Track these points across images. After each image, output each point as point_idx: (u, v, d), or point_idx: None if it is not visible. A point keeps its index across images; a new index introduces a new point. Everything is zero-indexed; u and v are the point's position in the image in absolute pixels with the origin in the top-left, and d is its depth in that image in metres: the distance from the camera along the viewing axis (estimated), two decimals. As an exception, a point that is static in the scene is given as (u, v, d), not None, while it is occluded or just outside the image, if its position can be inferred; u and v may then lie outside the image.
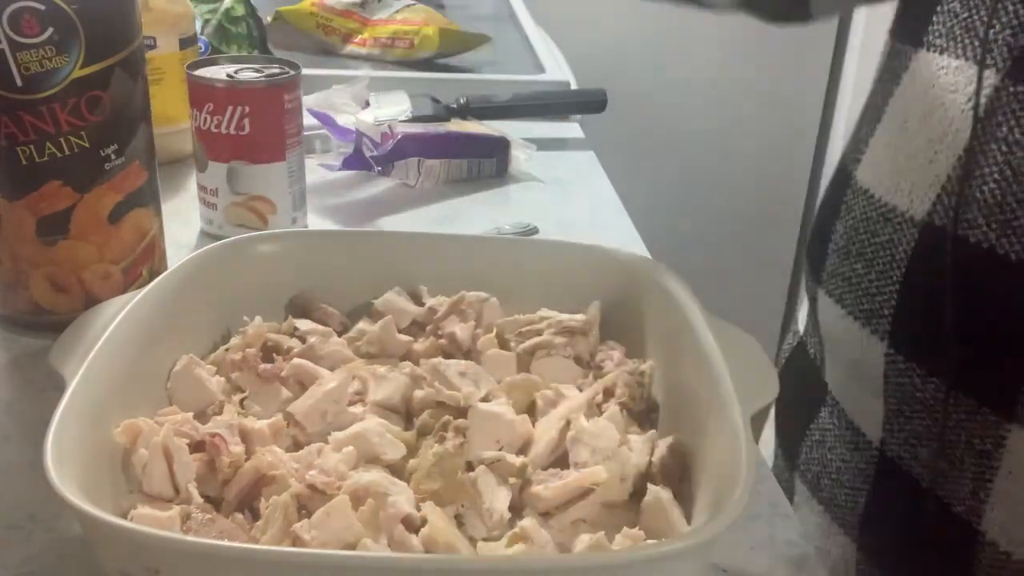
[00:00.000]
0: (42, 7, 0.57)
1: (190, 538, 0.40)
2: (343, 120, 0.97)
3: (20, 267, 0.64)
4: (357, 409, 0.50)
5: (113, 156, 0.63)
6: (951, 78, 0.54)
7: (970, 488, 0.55)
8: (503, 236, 0.77)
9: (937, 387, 0.55)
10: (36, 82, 0.58)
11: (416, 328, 0.58)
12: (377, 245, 0.61)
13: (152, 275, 0.67)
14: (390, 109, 0.99)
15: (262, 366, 0.52)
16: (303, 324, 0.57)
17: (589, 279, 0.58)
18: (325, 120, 0.96)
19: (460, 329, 0.55)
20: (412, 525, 0.43)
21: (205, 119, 0.77)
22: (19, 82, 0.58)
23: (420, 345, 0.56)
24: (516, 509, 0.45)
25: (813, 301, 0.66)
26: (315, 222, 0.86)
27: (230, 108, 0.76)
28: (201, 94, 0.77)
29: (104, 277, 0.65)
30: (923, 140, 0.56)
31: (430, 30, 1.22)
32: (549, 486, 0.44)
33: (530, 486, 0.45)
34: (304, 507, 0.43)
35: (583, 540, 0.42)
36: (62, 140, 0.60)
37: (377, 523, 0.41)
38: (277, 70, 0.79)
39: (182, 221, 0.84)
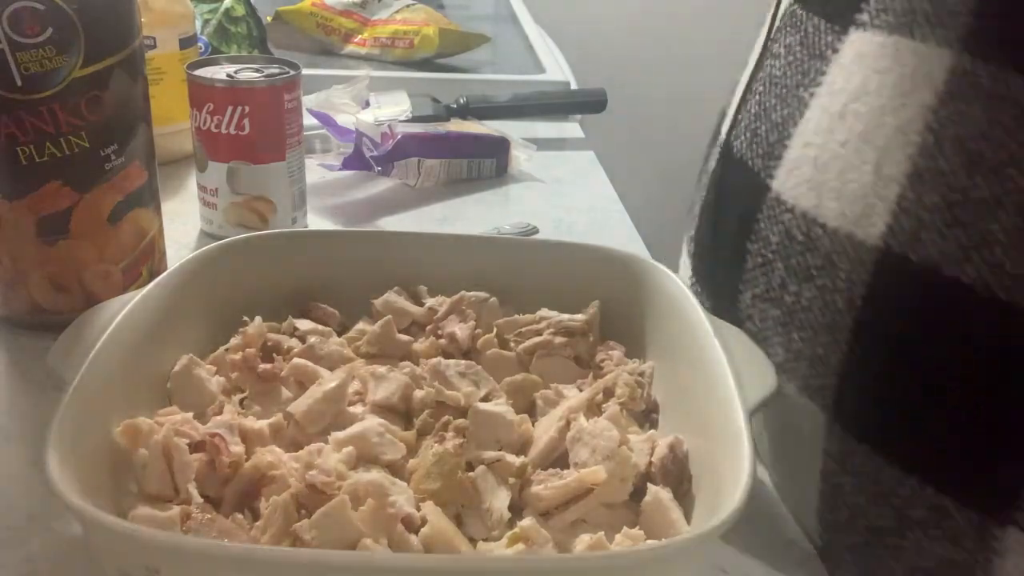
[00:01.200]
0: (42, 7, 0.57)
1: (190, 538, 0.40)
2: (343, 120, 0.97)
3: (20, 267, 0.64)
4: (357, 409, 0.50)
5: (113, 156, 0.63)
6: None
7: None
8: (503, 236, 0.77)
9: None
10: (36, 82, 0.58)
11: (416, 328, 0.58)
12: (377, 245, 0.61)
13: (152, 275, 0.67)
14: (390, 109, 0.99)
15: (262, 366, 0.51)
16: (303, 324, 0.57)
17: (589, 279, 0.58)
18: (325, 120, 0.96)
19: (460, 329, 0.54)
20: (412, 525, 0.43)
21: (205, 119, 0.77)
22: (19, 82, 0.58)
23: (420, 345, 0.56)
24: (516, 509, 0.45)
25: None
26: (315, 222, 0.86)
27: (230, 108, 0.76)
28: (201, 94, 0.77)
29: (104, 277, 0.65)
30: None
31: (430, 30, 1.22)
32: (549, 486, 0.44)
33: (530, 486, 0.45)
34: (304, 507, 0.43)
35: (583, 540, 0.42)
36: (62, 140, 0.60)
37: (377, 523, 0.41)
38: (277, 70, 0.79)
39: (182, 221, 0.84)
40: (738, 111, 0.55)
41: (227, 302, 0.57)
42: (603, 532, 0.42)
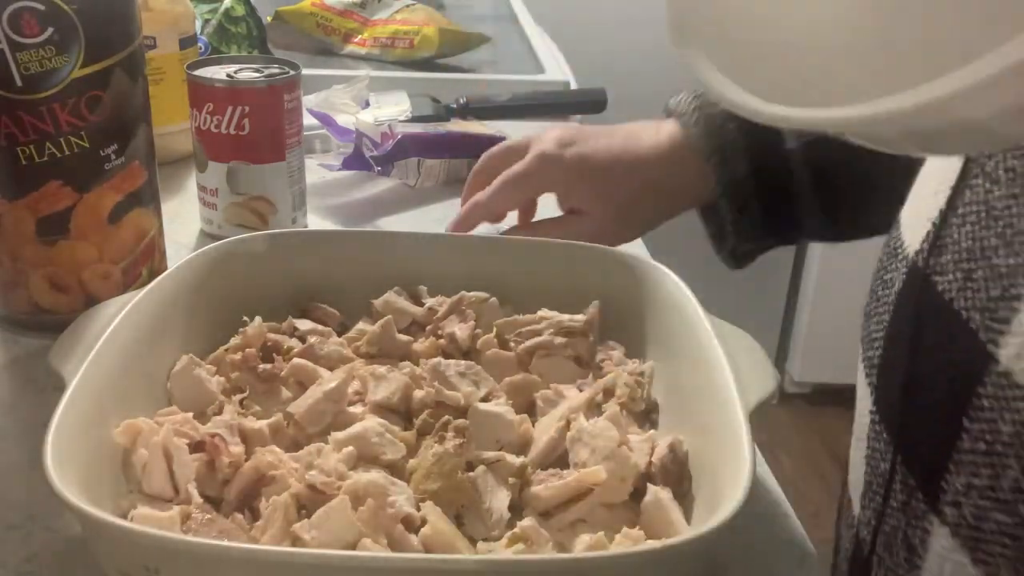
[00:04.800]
0: (42, 7, 0.57)
1: (190, 538, 0.40)
2: (343, 120, 0.96)
3: (20, 267, 0.64)
4: (357, 409, 0.50)
5: (113, 156, 0.63)
6: None
7: None
8: (503, 236, 0.77)
9: (888, 455, 0.46)
10: (36, 82, 0.58)
11: (416, 328, 0.58)
12: (377, 245, 0.61)
13: (152, 275, 0.66)
14: (390, 109, 0.99)
15: (262, 366, 0.51)
16: (303, 324, 0.57)
17: (589, 279, 0.58)
18: (325, 120, 0.96)
19: (460, 329, 0.54)
20: (412, 525, 0.43)
21: (205, 119, 0.77)
22: (19, 82, 0.58)
23: (420, 345, 0.56)
24: (516, 509, 0.45)
25: None
26: (315, 222, 0.85)
27: (230, 108, 0.76)
28: (201, 94, 0.77)
29: (104, 277, 0.65)
30: (931, 168, 0.49)
31: (430, 30, 1.22)
32: (549, 486, 0.44)
33: (530, 486, 0.45)
34: (304, 507, 0.43)
35: (583, 540, 0.42)
36: (62, 140, 0.60)
37: (377, 523, 0.41)
38: (277, 70, 0.79)
39: (182, 221, 0.84)
40: (939, 235, 0.46)
41: (227, 302, 0.57)
42: (603, 532, 0.42)
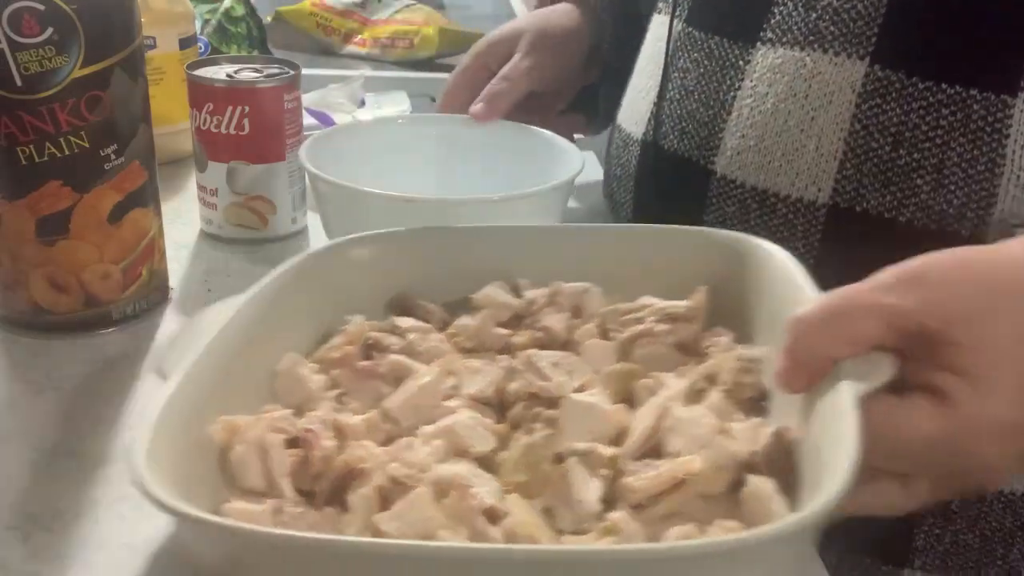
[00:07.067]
0: (42, 7, 0.58)
1: (263, 528, 0.39)
2: (340, 119, 0.97)
3: (20, 267, 0.64)
4: (453, 403, 0.49)
5: (113, 156, 0.63)
6: (661, 31, 0.72)
7: None
8: (603, 226, 0.74)
9: None
10: (36, 82, 0.59)
11: (516, 321, 0.57)
12: (476, 241, 0.60)
13: (152, 275, 0.67)
14: (390, 109, 0.99)
15: (360, 363, 0.52)
16: (404, 322, 0.56)
17: (694, 264, 0.56)
18: (322, 118, 0.97)
19: (555, 321, 0.54)
20: (495, 517, 0.41)
21: (205, 119, 0.77)
22: (19, 82, 0.58)
23: (518, 338, 0.55)
24: (610, 501, 0.43)
25: None
26: (315, 221, 0.84)
27: (230, 108, 0.76)
28: (201, 94, 0.77)
29: (104, 277, 0.65)
30: (644, 78, 0.73)
31: (430, 30, 1.24)
32: (641, 477, 0.43)
33: (623, 477, 0.44)
34: (389, 499, 0.42)
35: (673, 532, 0.40)
36: (62, 140, 0.61)
37: (459, 514, 0.41)
38: (277, 70, 0.79)
39: (182, 221, 0.84)
40: (657, 113, 0.70)
41: (330, 303, 0.56)
42: (693, 524, 0.40)
